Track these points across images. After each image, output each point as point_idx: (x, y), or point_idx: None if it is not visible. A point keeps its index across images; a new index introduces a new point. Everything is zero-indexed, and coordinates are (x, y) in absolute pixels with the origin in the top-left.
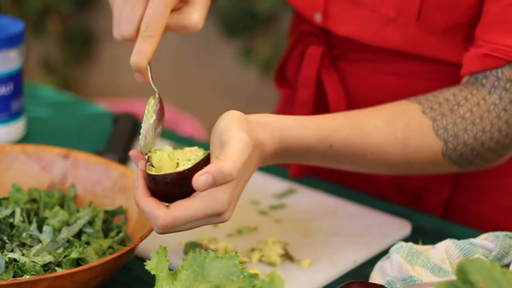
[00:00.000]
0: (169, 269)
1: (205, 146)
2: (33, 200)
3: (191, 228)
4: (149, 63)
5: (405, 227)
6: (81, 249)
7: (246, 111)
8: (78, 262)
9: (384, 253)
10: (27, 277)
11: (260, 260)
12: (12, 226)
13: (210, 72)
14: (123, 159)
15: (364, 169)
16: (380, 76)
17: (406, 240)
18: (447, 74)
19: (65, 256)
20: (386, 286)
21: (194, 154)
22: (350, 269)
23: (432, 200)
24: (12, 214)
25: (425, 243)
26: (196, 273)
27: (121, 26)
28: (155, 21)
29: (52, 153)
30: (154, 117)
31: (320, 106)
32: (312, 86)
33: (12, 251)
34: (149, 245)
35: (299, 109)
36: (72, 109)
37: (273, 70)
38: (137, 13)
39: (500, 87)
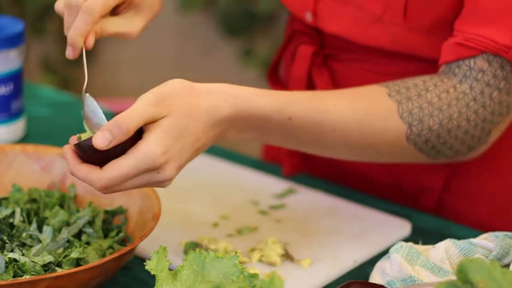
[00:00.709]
0: (169, 269)
1: None
2: (33, 200)
3: (134, 187)
4: (84, 47)
5: (405, 227)
6: (81, 249)
7: None
8: (78, 262)
9: (384, 253)
10: (27, 277)
11: (260, 260)
12: (12, 226)
13: (210, 72)
14: None
15: (327, 151)
16: (371, 76)
17: (406, 240)
18: None
19: (65, 256)
20: (386, 286)
21: None
22: (350, 269)
23: (425, 200)
24: (12, 214)
25: (425, 243)
26: (196, 273)
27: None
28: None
29: (52, 153)
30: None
31: None
32: (303, 85)
33: (12, 251)
34: (149, 245)
35: None
36: (72, 109)
37: None
38: None
39: (472, 77)
